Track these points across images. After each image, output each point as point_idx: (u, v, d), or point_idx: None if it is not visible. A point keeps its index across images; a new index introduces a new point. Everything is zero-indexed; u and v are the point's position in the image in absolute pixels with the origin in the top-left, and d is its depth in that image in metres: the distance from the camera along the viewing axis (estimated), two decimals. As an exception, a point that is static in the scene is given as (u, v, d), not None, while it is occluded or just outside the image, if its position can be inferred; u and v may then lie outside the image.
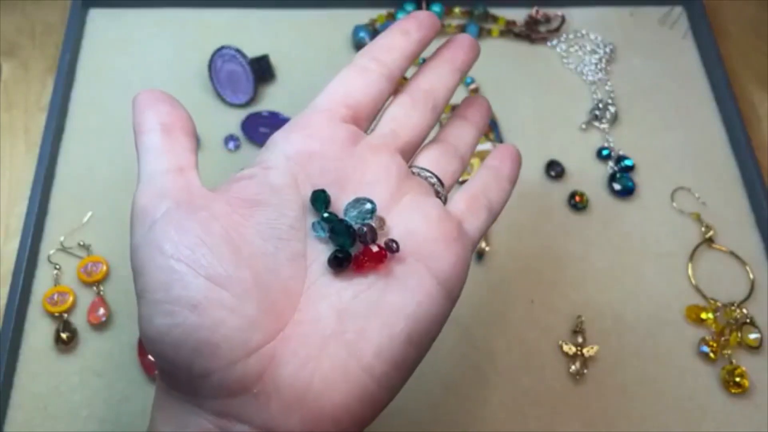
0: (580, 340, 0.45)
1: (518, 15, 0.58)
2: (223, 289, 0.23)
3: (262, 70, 0.53)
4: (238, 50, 0.52)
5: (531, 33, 0.57)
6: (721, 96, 0.54)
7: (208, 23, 0.57)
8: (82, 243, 0.47)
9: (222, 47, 0.53)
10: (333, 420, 0.23)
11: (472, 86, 0.54)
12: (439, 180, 0.30)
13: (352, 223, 0.26)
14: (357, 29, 0.56)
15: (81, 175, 0.50)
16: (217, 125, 0.52)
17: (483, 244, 0.48)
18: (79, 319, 0.45)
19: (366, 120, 0.30)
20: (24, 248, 0.45)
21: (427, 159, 0.31)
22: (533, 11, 0.57)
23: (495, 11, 0.58)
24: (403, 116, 0.30)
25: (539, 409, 0.43)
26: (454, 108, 0.36)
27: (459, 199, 0.30)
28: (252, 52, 0.53)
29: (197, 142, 0.28)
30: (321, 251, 0.26)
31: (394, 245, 0.26)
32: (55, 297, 0.45)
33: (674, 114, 0.54)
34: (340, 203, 0.27)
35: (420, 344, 0.25)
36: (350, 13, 0.58)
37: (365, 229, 0.26)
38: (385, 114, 0.31)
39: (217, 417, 0.23)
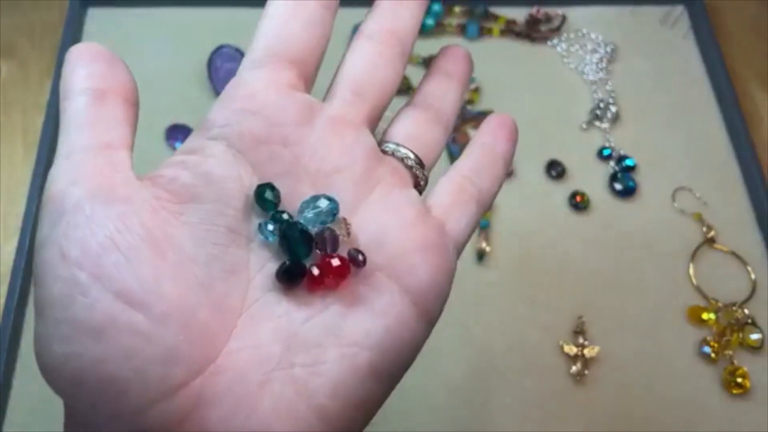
0: (581, 340, 0.45)
1: (519, 14, 0.57)
2: (137, 309, 0.18)
3: (261, 70, 0.53)
4: (237, 49, 0.52)
5: (531, 32, 0.57)
6: (722, 96, 0.54)
7: (207, 23, 0.56)
8: (81, 243, 0.47)
9: (221, 46, 0.52)
10: None
11: (473, 86, 0.54)
12: (418, 159, 0.24)
13: (309, 226, 0.21)
14: (356, 28, 0.55)
15: (80, 175, 0.50)
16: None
17: (483, 244, 0.48)
18: (78, 320, 0.44)
19: (313, 73, 0.24)
20: (23, 248, 0.45)
21: (403, 130, 0.25)
22: (534, 10, 0.57)
23: (495, 10, 0.58)
24: (367, 70, 0.24)
25: (540, 409, 0.43)
26: (426, 61, 0.28)
27: (442, 191, 0.24)
28: (252, 51, 0.53)
29: (137, 113, 0.22)
30: (267, 261, 0.21)
31: (360, 257, 0.21)
32: (54, 297, 0.44)
33: (675, 114, 0.54)
34: (293, 199, 0.22)
35: (388, 378, 0.21)
36: (350, 12, 0.57)
37: (325, 235, 0.21)
38: (342, 68, 0.25)
39: None
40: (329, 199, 0.22)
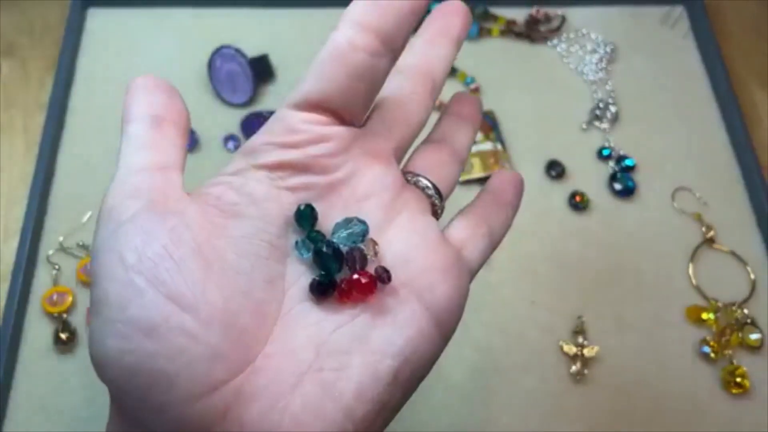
0: (580, 340, 0.45)
1: (519, 14, 0.58)
2: (187, 312, 0.20)
3: (261, 70, 0.53)
4: (237, 50, 0.52)
5: (531, 32, 0.57)
6: (721, 96, 0.54)
7: (207, 23, 0.56)
8: (81, 243, 0.47)
9: (221, 47, 0.52)
10: None
11: (473, 86, 0.54)
12: (436, 189, 0.27)
13: (341, 245, 0.23)
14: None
15: (80, 175, 0.50)
16: (216, 125, 0.52)
17: (483, 244, 0.48)
18: (78, 319, 0.44)
19: (360, 113, 0.25)
20: (23, 248, 0.45)
21: (423, 163, 0.27)
22: (534, 10, 0.57)
23: (495, 10, 0.58)
24: (399, 106, 0.26)
25: (540, 409, 0.43)
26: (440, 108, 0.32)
27: (458, 225, 0.27)
28: (252, 51, 0.53)
29: (191, 140, 0.25)
30: (302, 274, 0.23)
31: (386, 275, 0.23)
32: (55, 297, 0.45)
33: (675, 114, 0.54)
34: (326, 221, 0.24)
35: (407, 386, 0.23)
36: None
37: (355, 253, 0.23)
38: (378, 102, 0.27)
39: None
40: (361, 221, 0.24)
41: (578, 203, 0.50)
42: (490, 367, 0.44)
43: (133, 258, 0.20)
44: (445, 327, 0.24)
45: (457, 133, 0.29)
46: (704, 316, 0.46)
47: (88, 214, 0.48)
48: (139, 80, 0.24)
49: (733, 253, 0.48)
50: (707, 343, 0.45)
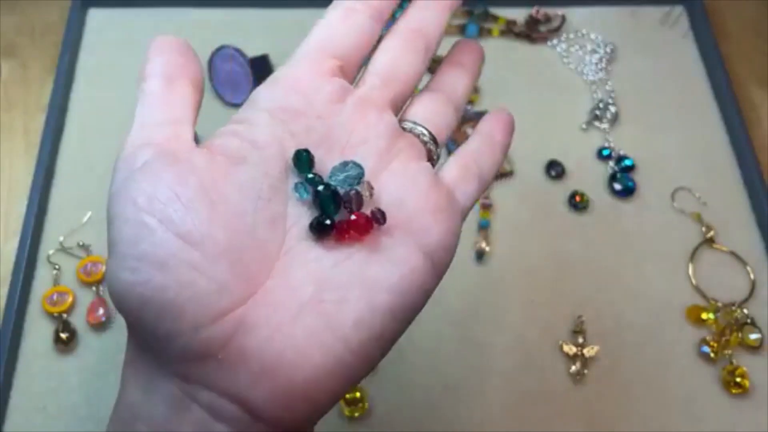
0: (580, 340, 0.45)
1: (518, 14, 0.58)
2: (194, 248, 0.22)
3: (261, 70, 0.53)
4: (237, 50, 0.52)
5: (531, 33, 0.57)
6: (721, 96, 0.54)
7: (207, 23, 0.56)
8: (81, 243, 0.47)
9: (221, 47, 0.53)
10: (304, 392, 0.22)
11: (473, 86, 0.54)
12: (432, 136, 0.28)
13: (338, 187, 0.25)
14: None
15: (81, 175, 0.50)
16: (216, 125, 0.51)
17: (483, 244, 0.48)
18: (78, 320, 0.44)
19: (354, 68, 0.28)
20: (23, 248, 0.45)
21: (420, 111, 0.29)
22: (533, 11, 0.57)
23: (495, 11, 0.58)
24: (393, 62, 0.28)
25: (539, 409, 0.43)
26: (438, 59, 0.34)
27: (451, 167, 0.28)
28: (252, 52, 0.53)
29: (202, 96, 0.27)
30: (302, 215, 0.25)
31: (381, 216, 0.24)
32: (55, 297, 0.45)
33: (675, 114, 0.54)
34: (325, 165, 0.25)
35: (403, 318, 0.24)
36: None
37: (352, 195, 0.24)
38: (373, 60, 0.29)
39: (183, 381, 0.22)
40: (357, 165, 0.25)
41: (578, 203, 0.50)
42: (489, 367, 0.44)
43: (144, 201, 0.22)
44: (438, 265, 0.25)
45: (454, 81, 0.31)
46: (704, 316, 0.46)
47: (88, 214, 0.48)
48: (156, 40, 0.26)
49: (733, 253, 0.48)
50: (707, 343, 0.45)
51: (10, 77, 0.55)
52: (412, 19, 0.29)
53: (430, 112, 0.29)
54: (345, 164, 0.25)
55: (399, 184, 0.26)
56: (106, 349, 0.44)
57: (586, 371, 0.44)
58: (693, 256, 0.48)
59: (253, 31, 0.56)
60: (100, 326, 0.44)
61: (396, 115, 0.28)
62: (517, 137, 0.52)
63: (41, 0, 0.58)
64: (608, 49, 0.57)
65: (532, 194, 0.50)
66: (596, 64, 0.56)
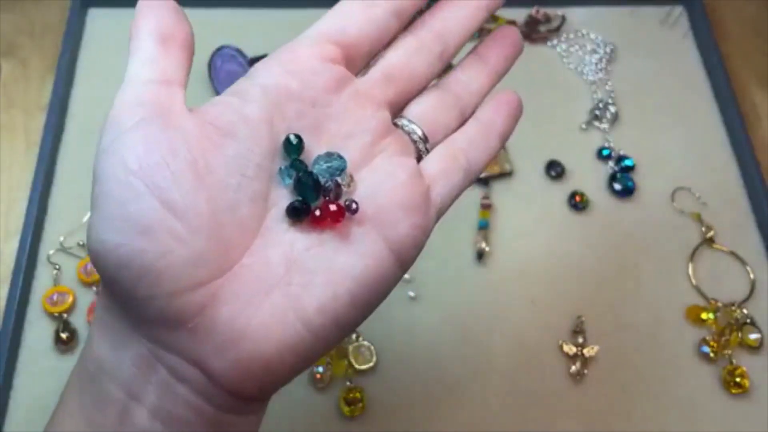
0: (580, 340, 0.45)
1: (518, 15, 0.58)
2: (177, 218, 0.22)
3: (261, 70, 0.53)
4: (237, 50, 0.52)
5: (531, 33, 0.57)
6: (721, 96, 0.54)
7: (207, 23, 0.56)
8: (81, 243, 0.47)
9: (222, 47, 0.53)
10: (264, 366, 0.23)
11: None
12: (423, 135, 0.28)
13: (320, 176, 0.25)
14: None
15: (81, 175, 0.50)
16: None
17: (483, 244, 0.48)
18: (78, 319, 0.45)
19: (360, 60, 0.28)
20: (24, 248, 0.45)
21: (419, 109, 0.29)
22: (533, 11, 0.57)
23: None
24: (403, 61, 0.28)
25: (539, 409, 0.43)
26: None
27: (435, 159, 0.28)
28: (252, 52, 0.53)
29: (192, 59, 0.26)
30: (282, 197, 0.25)
31: (354, 206, 0.25)
32: (55, 297, 0.45)
33: (674, 114, 0.54)
34: (311, 152, 0.26)
35: (363, 306, 0.25)
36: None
37: (332, 184, 0.25)
38: (383, 55, 0.28)
39: (151, 343, 0.23)
40: (340, 157, 0.26)
41: (578, 203, 0.50)
42: (489, 366, 0.44)
43: (135, 164, 0.22)
44: (403, 260, 0.26)
45: (470, 80, 0.30)
46: (704, 316, 0.46)
47: (88, 214, 0.48)
48: (146, 1, 0.26)
49: (733, 253, 0.49)
50: (707, 343, 0.45)
51: (10, 77, 0.55)
52: (435, 19, 0.29)
53: (430, 111, 0.29)
54: (330, 155, 0.26)
55: (376, 178, 0.26)
56: (106, 349, 0.44)
57: (586, 371, 0.44)
58: (693, 256, 0.48)
59: (253, 31, 0.56)
60: (100, 326, 0.44)
61: (395, 113, 0.28)
62: (517, 137, 0.52)
63: (41, 0, 0.58)
64: (608, 49, 0.57)
65: (532, 194, 0.51)
66: (596, 64, 0.56)
